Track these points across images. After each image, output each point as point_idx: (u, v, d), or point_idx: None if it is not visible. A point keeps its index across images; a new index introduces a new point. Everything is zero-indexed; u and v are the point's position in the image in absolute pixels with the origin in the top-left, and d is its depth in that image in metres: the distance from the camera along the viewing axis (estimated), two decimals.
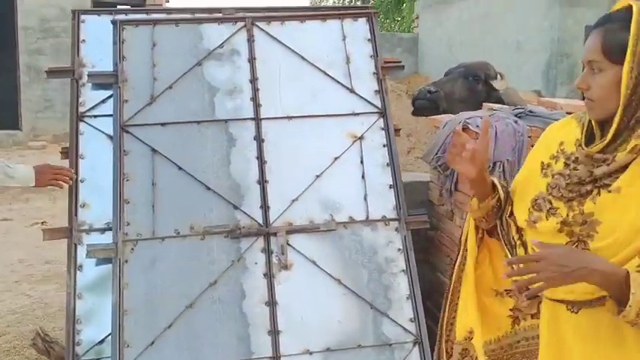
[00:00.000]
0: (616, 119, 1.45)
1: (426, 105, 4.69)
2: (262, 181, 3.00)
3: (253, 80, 3.16)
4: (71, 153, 3.10)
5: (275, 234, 2.91)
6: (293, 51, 3.24)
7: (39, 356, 3.85)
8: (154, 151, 2.99)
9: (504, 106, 3.38)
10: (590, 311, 1.48)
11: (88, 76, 3.09)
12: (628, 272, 1.37)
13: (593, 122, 1.54)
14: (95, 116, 3.15)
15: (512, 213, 1.71)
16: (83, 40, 3.25)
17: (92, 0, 12.16)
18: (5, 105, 11.99)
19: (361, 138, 3.13)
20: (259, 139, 3.07)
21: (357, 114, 3.18)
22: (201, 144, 3.04)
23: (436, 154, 3.08)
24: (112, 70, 3.09)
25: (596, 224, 1.46)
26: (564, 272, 1.37)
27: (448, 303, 1.89)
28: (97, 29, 3.27)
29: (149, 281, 2.80)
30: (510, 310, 1.83)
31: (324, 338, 2.81)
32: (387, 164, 3.10)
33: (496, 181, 1.74)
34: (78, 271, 2.93)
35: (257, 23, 3.27)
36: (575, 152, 1.55)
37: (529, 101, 3.77)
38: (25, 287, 5.31)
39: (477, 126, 2.88)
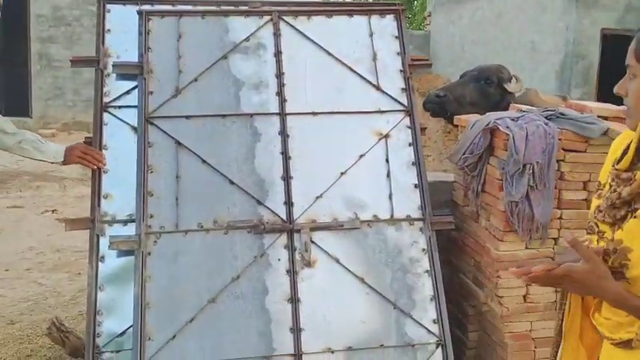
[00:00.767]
0: (638, 130, 1.36)
1: (434, 109, 4.70)
2: (287, 177, 2.97)
3: (279, 75, 3.13)
4: (95, 143, 3.07)
5: (299, 231, 2.88)
6: (319, 46, 3.21)
7: (52, 345, 3.84)
8: (178, 143, 2.96)
9: (533, 107, 3.33)
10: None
11: (113, 66, 3.06)
12: None
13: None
14: (119, 107, 3.11)
15: None
16: (108, 30, 3.21)
17: None
18: (16, 92, 12.00)
19: (387, 136, 3.10)
20: (284, 135, 3.04)
21: (383, 112, 3.14)
22: (226, 138, 3.01)
23: (463, 154, 3.04)
24: (137, 61, 3.06)
25: (628, 252, 1.37)
26: (580, 291, 1.40)
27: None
28: (123, 19, 3.23)
29: (171, 274, 2.77)
30: None
31: (346, 337, 2.78)
32: (413, 163, 3.07)
33: None
34: (100, 263, 2.91)
35: (284, 17, 3.24)
36: None
37: (552, 104, 3.72)
38: (37, 275, 5.31)
39: (507, 127, 2.84)
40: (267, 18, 3.23)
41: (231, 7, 3.34)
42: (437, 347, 2.81)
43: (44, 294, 4.88)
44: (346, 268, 2.86)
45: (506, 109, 4.08)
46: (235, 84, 3.09)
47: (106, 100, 3.12)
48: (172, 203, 2.87)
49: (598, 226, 1.47)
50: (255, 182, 2.95)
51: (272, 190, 2.94)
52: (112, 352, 2.84)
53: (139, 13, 3.13)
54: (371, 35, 3.26)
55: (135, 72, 3.04)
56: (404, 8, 3.37)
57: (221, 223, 2.86)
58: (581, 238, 1.46)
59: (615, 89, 1.44)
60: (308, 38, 3.21)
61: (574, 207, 2.94)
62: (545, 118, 2.90)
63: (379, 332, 2.80)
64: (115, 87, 3.14)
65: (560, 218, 2.96)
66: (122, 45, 3.18)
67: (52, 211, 7.16)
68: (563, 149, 2.88)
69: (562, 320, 1.61)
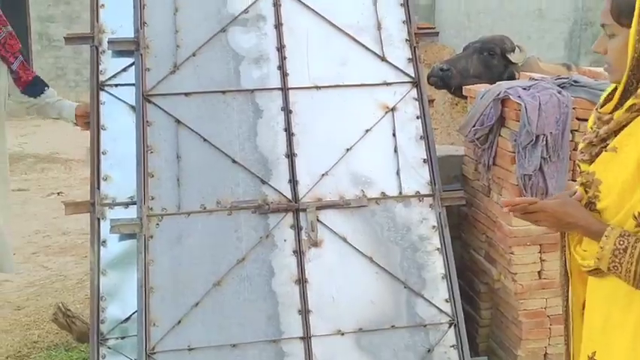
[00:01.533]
0: (622, 81, 1.47)
1: (438, 83, 4.65)
2: (290, 155, 2.87)
3: (280, 48, 3.01)
4: (92, 123, 2.97)
5: (304, 210, 2.79)
6: (321, 16, 3.08)
7: (60, 331, 3.80)
8: (177, 122, 2.86)
9: (545, 75, 3.20)
10: (611, 278, 1.49)
11: (109, 43, 2.95)
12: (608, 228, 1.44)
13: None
14: (116, 85, 3.01)
15: None
16: (102, 6, 3.09)
17: None
18: None
19: (393, 109, 2.99)
20: (287, 110, 2.93)
21: (389, 83, 3.03)
22: (227, 115, 2.91)
23: (473, 126, 2.93)
24: (132, 36, 2.95)
25: (598, 184, 1.50)
26: (555, 224, 1.53)
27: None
28: None
29: (175, 258, 2.70)
30: None
31: (355, 318, 2.71)
32: (421, 137, 2.96)
33: None
34: (102, 247, 2.83)
35: None
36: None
37: (551, 74, 3.56)
38: (43, 259, 5.26)
39: (519, 96, 2.72)
40: None
41: None
42: (449, 327, 2.73)
43: (50, 278, 4.84)
44: (354, 248, 2.78)
45: (510, 79, 3.96)
46: (235, 58, 2.98)
47: (102, 78, 3.01)
48: (174, 184, 2.79)
49: (579, 167, 1.61)
50: (258, 160, 2.85)
51: (276, 169, 2.85)
52: (117, 338, 2.77)
53: None
54: (375, 3, 3.14)
55: (131, 48, 2.94)
56: None
57: (224, 203, 2.77)
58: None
59: (593, 48, 1.56)
60: (309, 8, 3.09)
61: None
62: (558, 86, 2.78)
63: (389, 313, 2.72)
64: (111, 65, 3.03)
65: None
66: (117, 21, 3.07)
67: (58, 193, 7.10)
68: (577, 119, 2.77)
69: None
